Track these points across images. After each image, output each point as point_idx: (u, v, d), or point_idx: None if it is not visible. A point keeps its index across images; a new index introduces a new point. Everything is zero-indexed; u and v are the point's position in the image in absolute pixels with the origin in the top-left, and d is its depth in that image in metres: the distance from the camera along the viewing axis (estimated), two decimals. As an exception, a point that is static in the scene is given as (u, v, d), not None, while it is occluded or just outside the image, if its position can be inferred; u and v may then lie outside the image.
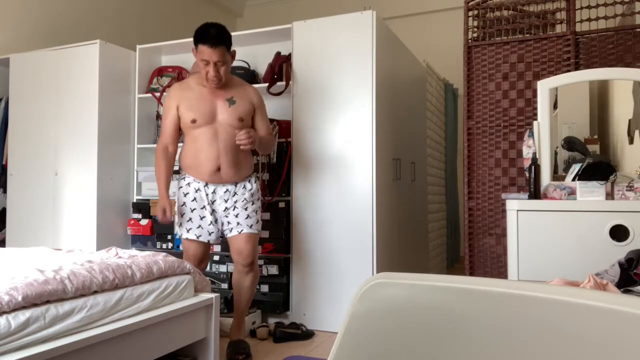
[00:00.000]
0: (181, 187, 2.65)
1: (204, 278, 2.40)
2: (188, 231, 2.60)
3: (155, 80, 3.84)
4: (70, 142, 3.64)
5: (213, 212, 2.62)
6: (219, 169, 2.55)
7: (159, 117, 3.93)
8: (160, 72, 3.86)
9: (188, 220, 2.61)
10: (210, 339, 2.27)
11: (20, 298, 1.53)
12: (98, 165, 3.55)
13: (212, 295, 2.31)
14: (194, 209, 2.61)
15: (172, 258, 2.23)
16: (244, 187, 2.64)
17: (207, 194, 2.60)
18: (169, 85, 3.76)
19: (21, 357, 1.45)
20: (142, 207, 3.67)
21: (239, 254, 2.62)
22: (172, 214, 2.58)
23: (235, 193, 2.62)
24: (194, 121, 2.53)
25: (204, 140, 2.54)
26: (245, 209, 2.61)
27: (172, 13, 5.67)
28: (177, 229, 2.72)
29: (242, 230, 2.60)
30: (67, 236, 3.63)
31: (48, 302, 1.63)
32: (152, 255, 2.20)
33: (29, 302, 1.56)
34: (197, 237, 2.60)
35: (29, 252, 2.32)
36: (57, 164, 3.68)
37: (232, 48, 2.56)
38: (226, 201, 2.61)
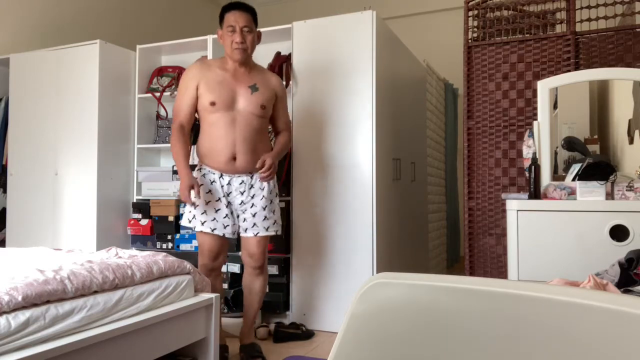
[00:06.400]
0: (196, 178, 2.52)
1: (204, 278, 2.40)
2: (202, 224, 2.48)
3: (155, 80, 3.84)
4: (70, 142, 3.64)
5: (229, 204, 2.51)
6: (234, 158, 2.46)
7: (159, 117, 3.93)
8: (160, 72, 3.86)
9: (202, 213, 2.49)
10: (210, 339, 2.26)
11: (20, 298, 1.53)
12: (98, 165, 3.55)
13: (212, 295, 2.31)
14: (209, 201, 2.49)
15: (172, 258, 2.23)
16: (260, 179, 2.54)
17: (222, 186, 2.49)
18: (169, 85, 3.76)
19: (21, 357, 1.45)
20: (142, 207, 3.67)
21: (250, 256, 2.56)
22: (198, 192, 2.42)
23: (251, 186, 2.52)
24: (212, 103, 2.43)
25: (221, 126, 2.44)
26: (264, 209, 2.53)
27: (172, 13, 5.67)
28: (184, 221, 2.56)
29: (257, 233, 2.53)
30: (67, 236, 3.63)
31: (48, 302, 1.63)
32: (152, 255, 2.20)
33: (29, 302, 1.56)
34: (212, 230, 2.48)
35: (29, 252, 2.32)
36: (57, 164, 3.68)
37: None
38: (242, 193, 2.51)
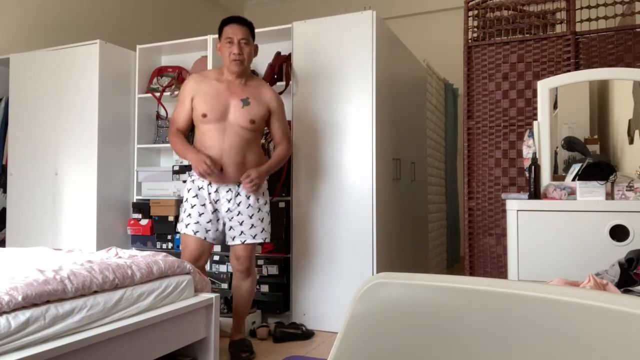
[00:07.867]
0: (185, 182, 2.61)
1: (204, 278, 2.40)
2: (186, 226, 2.56)
3: (155, 80, 3.84)
4: (70, 142, 3.64)
5: (215, 211, 2.58)
6: (221, 169, 2.52)
7: (159, 117, 3.93)
8: (160, 72, 3.86)
9: (188, 216, 2.57)
10: (210, 339, 2.27)
11: (20, 298, 1.53)
12: (98, 165, 3.54)
13: (212, 295, 2.31)
14: (194, 205, 2.57)
15: (172, 258, 2.23)
16: None
17: (209, 193, 2.56)
18: (169, 85, 3.76)
19: (21, 357, 1.45)
20: (142, 207, 3.67)
21: (237, 259, 2.64)
22: (213, 162, 2.43)
23: (238, 194, 2.57)
24: (204, 115, 2.52)
25: (211, 137, 2.52)
26: (250, 217, 2.59)
27: (172, 13, 5.67)
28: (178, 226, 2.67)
29: (245, 241, 2.60)
30: (67, 236, 3.63)
31: (48, 302, 1.63)
32: (152, 255, 2.20)
33: (29, 302, 1.56)
34: (194, 233, 2.55)
35: (29, 252, 2.32)
36: (57, 164, 3.68)
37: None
38: (229, 201, 2.57)
